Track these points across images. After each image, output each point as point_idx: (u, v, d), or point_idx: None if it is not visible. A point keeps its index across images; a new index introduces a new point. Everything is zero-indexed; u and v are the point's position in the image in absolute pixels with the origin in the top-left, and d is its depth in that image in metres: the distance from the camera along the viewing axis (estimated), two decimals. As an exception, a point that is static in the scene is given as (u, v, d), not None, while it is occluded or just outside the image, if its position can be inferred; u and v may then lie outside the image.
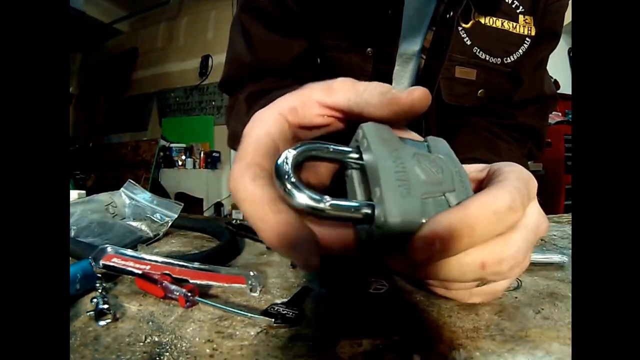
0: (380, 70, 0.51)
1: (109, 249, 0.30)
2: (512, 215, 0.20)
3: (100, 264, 0.29)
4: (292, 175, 0.20)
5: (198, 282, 0.28)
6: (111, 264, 0.29)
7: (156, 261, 0.29)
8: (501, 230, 0.20)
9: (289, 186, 0.19)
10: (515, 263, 0.21)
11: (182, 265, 0.29)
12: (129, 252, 0.30)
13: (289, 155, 0.20)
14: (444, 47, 0.50)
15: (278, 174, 0.20)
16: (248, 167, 0.21)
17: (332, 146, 0.22)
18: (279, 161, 0.20)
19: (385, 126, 0.22)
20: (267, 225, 0.20)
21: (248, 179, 0.21)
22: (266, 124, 0.24)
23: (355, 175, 0.23)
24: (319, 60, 0.58)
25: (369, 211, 0.20)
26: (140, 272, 0.28)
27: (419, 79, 0.53)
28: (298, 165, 0.20)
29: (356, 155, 0.22)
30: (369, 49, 0.50)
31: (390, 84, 0.53)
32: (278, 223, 0.20)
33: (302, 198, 0.19)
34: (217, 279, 0.28)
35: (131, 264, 0.29)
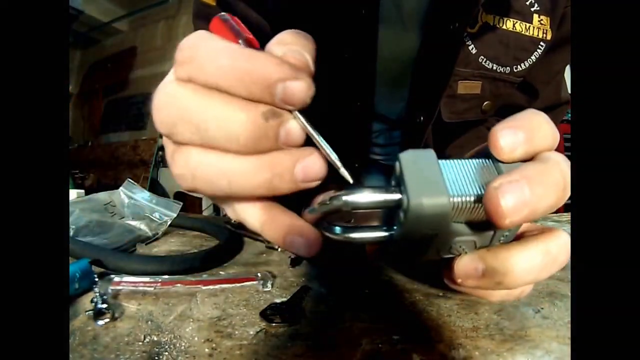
0: (361, 77, 0.45)
1: (115, 278, 0.28)
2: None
3: (110, 291, 0.27)
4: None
5: (211, 287, 0.28)
6: (121, 287, 0.27)
7: (165, 279, 0.29)
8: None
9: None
10: None
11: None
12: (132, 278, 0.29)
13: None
14: (448, 65, 0.42)
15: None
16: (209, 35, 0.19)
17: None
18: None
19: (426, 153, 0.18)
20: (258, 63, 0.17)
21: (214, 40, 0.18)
22: None
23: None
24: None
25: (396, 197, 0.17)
26: (152, 287, 0.27)
27: (413, 101, 0.47)
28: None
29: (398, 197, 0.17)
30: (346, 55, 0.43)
31: (374, 93, 0.46)
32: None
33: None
34: (227, 282, 0.29)
35: (141, 282, 0.28)
